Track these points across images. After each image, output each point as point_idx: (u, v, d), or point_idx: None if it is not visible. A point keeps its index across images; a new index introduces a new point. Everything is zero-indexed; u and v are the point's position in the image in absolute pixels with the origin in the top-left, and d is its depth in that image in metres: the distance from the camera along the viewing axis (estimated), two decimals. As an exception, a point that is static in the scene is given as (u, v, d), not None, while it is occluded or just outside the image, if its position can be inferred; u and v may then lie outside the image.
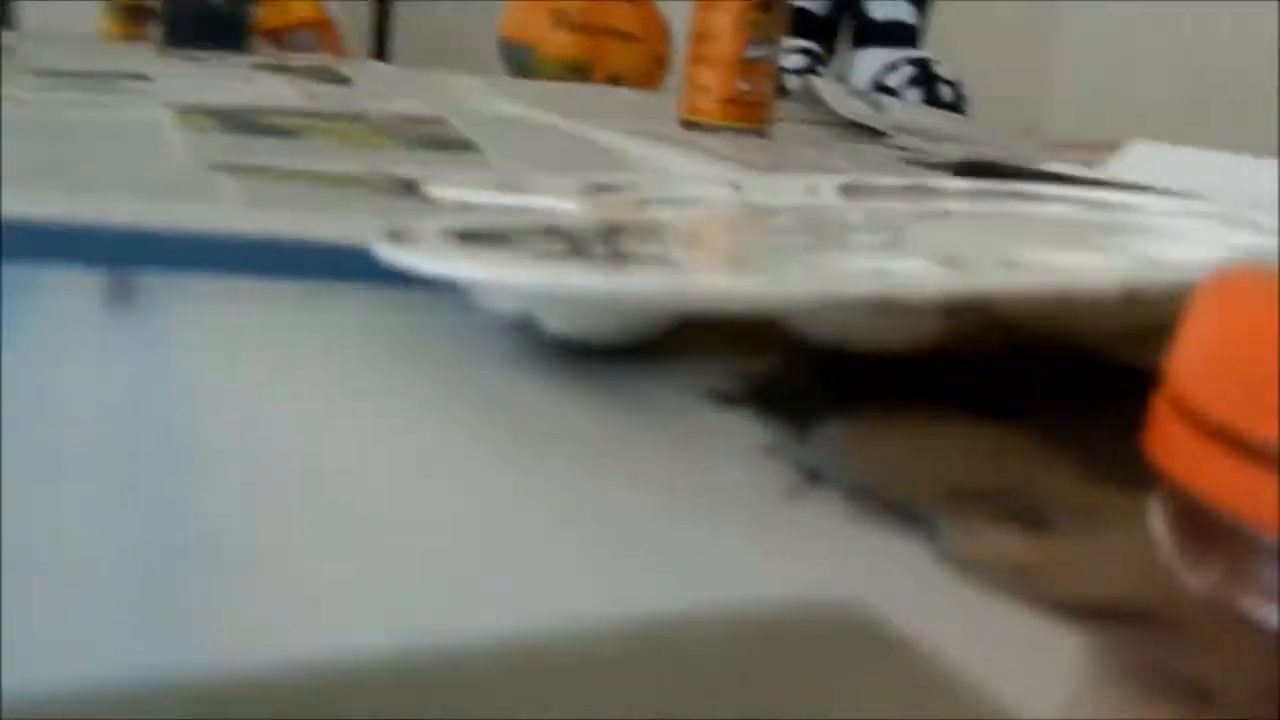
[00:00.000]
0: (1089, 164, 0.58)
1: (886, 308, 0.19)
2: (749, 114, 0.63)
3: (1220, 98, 1.35)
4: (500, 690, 0.11)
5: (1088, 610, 0.14)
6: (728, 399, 0.20)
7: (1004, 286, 0.18)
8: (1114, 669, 0.13)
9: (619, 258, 0.20)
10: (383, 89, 0.62)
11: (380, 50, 1.21)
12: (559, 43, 0.82)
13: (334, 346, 0.20)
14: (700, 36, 0.63)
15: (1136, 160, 0.58)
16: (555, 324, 0.20)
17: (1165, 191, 0.42)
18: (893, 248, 0.25)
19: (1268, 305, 0.15)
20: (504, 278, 0.18)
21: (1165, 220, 0.32)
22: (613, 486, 0.16)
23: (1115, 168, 0.57)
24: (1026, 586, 0.14)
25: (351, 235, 0.23)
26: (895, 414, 0.20)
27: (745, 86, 0.62)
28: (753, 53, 0.62)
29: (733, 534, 0.15)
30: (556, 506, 0.15)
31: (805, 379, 0.21)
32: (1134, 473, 0.18)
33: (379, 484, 0.15)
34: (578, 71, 0.82)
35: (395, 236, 0.20)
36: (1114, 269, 0.19)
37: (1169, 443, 0.15)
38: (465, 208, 0.25)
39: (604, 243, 0.22)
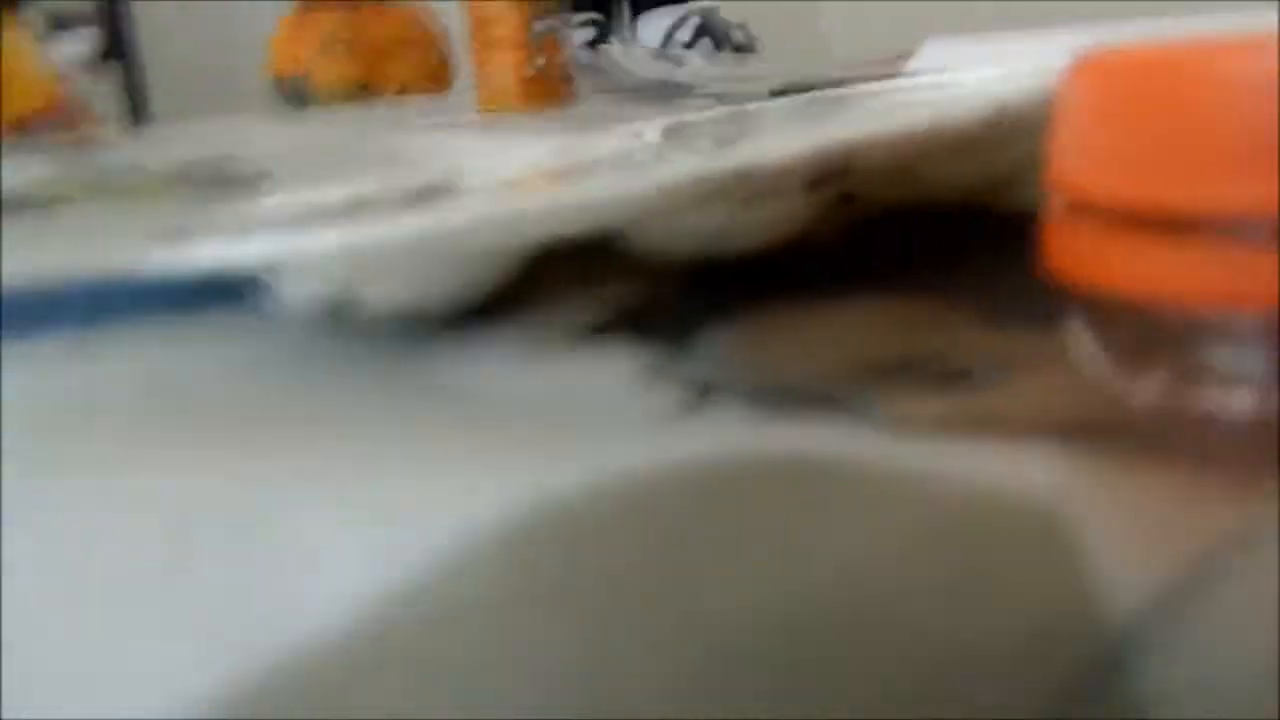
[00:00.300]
0: (891, 71, 0.58)
1: (744, 196, 0.17)
2: (550, 91, 0.61)
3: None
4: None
5: (1053, 432, 0.12)
6: (593, 331, 0.17)
7: (872, 132, 0.16)
8: (1111, 460, 0.11)
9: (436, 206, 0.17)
10: (152, 145, 0.57)
11: (137, 117, 1.13)
12: (335, 66, 0.78)
13: (105, 402, 0.17)
14: (481, 23, 0.60)
15: (934, 55, 0.58)
16: (380, 296, 0.17)
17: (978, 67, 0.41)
18: (733, 144, 0.23)
19: (1152, 72, 0.13)
20: (307, 246, 0.15)
21: (988, 80, 0.32)
22: (474, 445, 0.13)
23: (917, 64, 0.57)
24: (975, 434, 0.12)
25: (114, 263, 0.19)
26: (781, 309, 0.18)
27: (540, 63, 0.60)
28: (539, 27, 0.60)
29: (625, 453, 0.12)
30: (417, 480, 0.12)
31: (675, 295, 0.19)
32: (1037, 311, 0.17)
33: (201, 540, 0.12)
34: (361, 91, 0.78)
35: (168, 236, 0.17)
36: (979, 95, 0.18)
37: (1080, 252, 0.14)
38: (254, 210, 0.22)
39: (418, 203, 0.19)
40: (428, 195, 0.22)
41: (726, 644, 0.08)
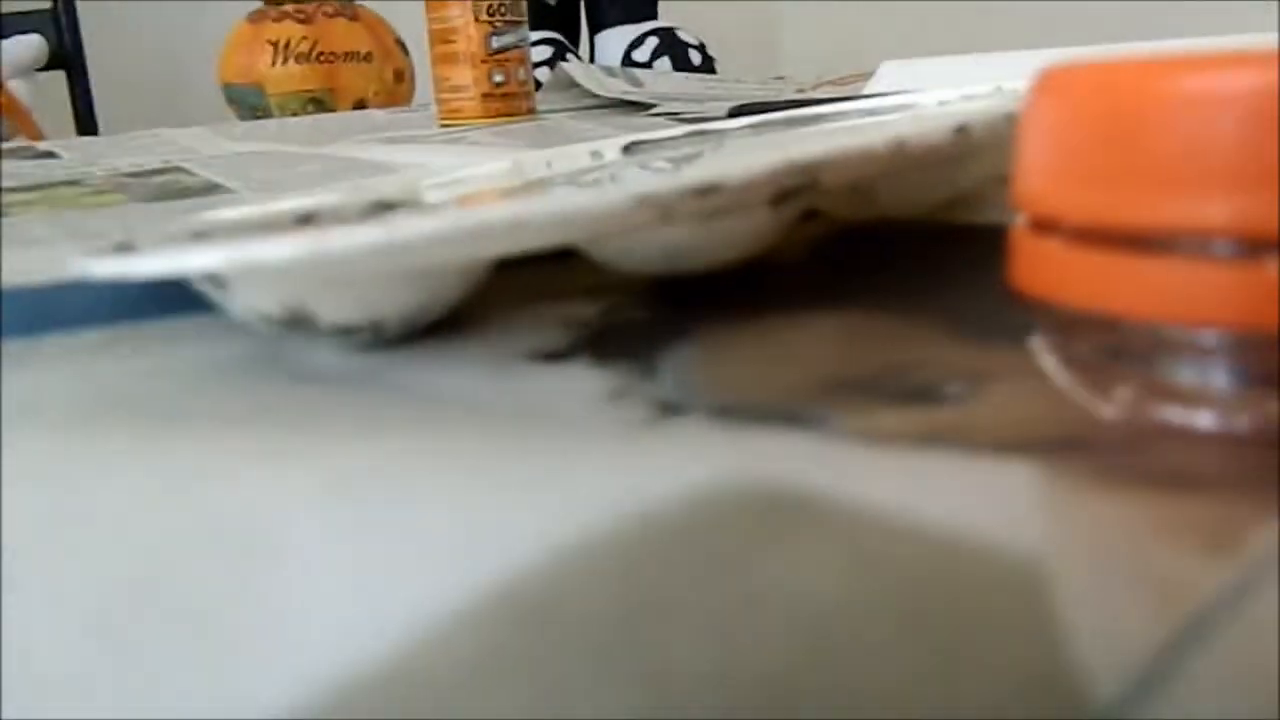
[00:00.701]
0: (849, 93, 0.58)
1: (707, 212, 0.17)
2: (510, 106, 0.60)
3: (945, 27, 1.43)
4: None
5: (1021, 447, 0.12)
6: (556, 355, 0.17)
7: (835, 150, 0.16)
8: (1083, 482, 0.11)
9: (395, 217, 0.17)
10: (101, 154, 0.56)
11: (84, 125, 1.10)
12: (288, 76, 0.77)
13: (51, 410, 0.16)
14: (441, 37, 0.60)
15: (890, 77, 0.59)
16: (334, 312, 0.17)
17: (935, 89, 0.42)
18: (693, 162, 0.23)
19: (1115, 90, 0.13)
20: (256, 257, 0.14)
21: (947, 99, 0.32)
22: (437, 467, 0.13)
23: (872, 86, 0.58)
24: (944, 448, 0.12)
25: (57, 271, 0.19)
26: (745, 326, 0.18)
27: (500, 78, 0.60)
28: (499, 42, 0.59)
29: (588, 470, 0.12)
30: (381, 510, 0.12)
31: (637, 314, 0.19)
32: (1004, 326, 0.17)
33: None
34: (318, 103, 0.77)
35: (114, 245, 0.16)
36: (940, 115, 0.18)
37: (1045, 268, 0.14)
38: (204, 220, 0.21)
39: (374, 216, 0.19)
40: (384, 209, 0.21)
41: (693, 703, 0.08)
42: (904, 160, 0.16)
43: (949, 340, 0.16)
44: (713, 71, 0.91)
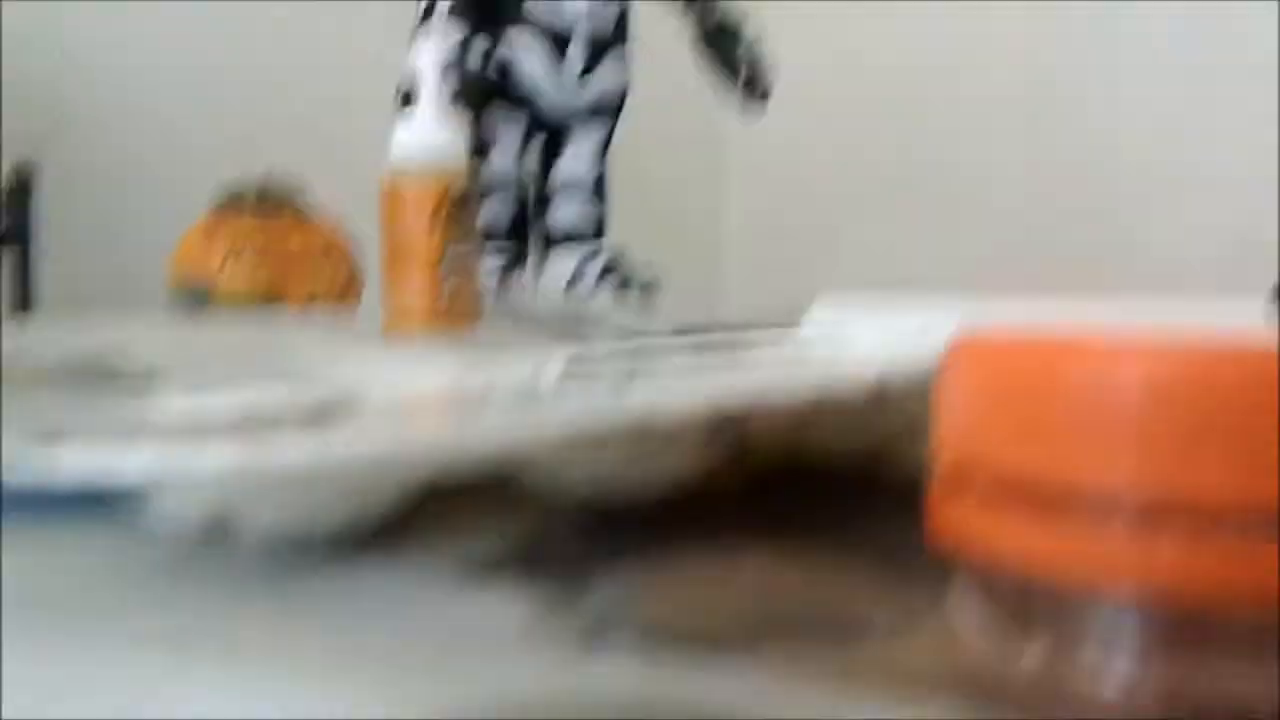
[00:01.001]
0: (786, 325, 0.61)
1: (641, 444, 0.18)
2: (457, 315, 0.62)
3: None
4: None
5: (939, 689, 0.12)
6: (485, 567, 0.17)
7: (766, 393, 0.17)
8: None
9: (332, 429, 0.17)
10: (34, 337, 0.55)
11: (24, 305, 1.09)
12: (239, 275, 0.78)
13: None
14: (393, 244, 0.62)
15: (828, 311, 0.62)
16: (262, 520, 0.16)
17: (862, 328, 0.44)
18: (633, 386, 0.24)
19: (1024, 360, 0.14)
20: (192, 465, 0.14)
21: (876, 345, 0.34)
22: (359, 687, 0.12)
23: (812, 319, 0.61)
24: (862, 686, 0.12)
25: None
26: (677, 552, 0.18)
27: (450, 289, 0.61)
28: (451, 253, 0.61)
29: (512, 692, 0.12)
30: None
31: (569, 535, 0.19)
32: (929, 569, 0.17)
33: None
34: (267, 302, 0.78)
35: (42, 436, 0.16)
36: (861, 370, 0.19)
37: (961, 521, 0.14)
38: (137, 415, 0.21)
39: (313, 423, 0.19)
40: (323, 416, 0.22)
41: None
42: (826, 409, 0.17)
43: (874, 579, 0.16)
44: (658, 291, 0.95)
